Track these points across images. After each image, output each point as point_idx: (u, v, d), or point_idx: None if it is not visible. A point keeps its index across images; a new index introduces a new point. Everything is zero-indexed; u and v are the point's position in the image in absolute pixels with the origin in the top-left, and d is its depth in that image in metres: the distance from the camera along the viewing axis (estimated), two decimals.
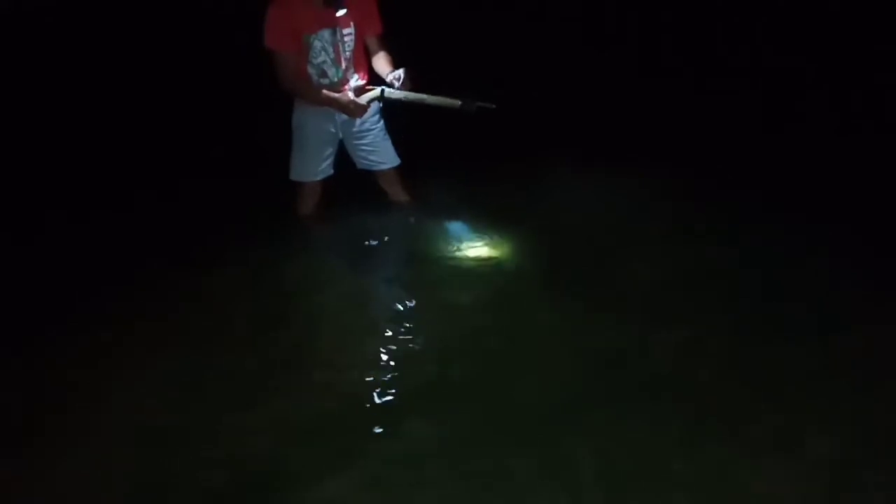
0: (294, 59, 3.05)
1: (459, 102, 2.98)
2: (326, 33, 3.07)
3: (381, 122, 3.40)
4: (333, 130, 3.35)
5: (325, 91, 3.12)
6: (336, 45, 3.11)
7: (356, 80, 3.26)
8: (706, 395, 2.41)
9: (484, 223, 3.56)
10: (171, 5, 7.79)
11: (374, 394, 2.48)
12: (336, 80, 3.19)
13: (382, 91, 3.11)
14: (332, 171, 3.45)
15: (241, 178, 4.32)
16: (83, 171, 4.49)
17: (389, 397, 2.46)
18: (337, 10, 3.01)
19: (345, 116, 3.26)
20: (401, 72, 3.09)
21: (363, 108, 3.12)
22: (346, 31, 3.12)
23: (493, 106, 2.95)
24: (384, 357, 2.67)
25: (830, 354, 2.61)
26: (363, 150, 3.42)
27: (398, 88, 3.07)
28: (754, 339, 2.71)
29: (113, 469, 2.22)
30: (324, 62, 3.12)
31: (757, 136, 4.75)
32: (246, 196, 4.08)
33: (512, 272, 3.17)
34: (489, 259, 3.27)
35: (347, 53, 3.17)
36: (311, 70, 3.14)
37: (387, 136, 3.43)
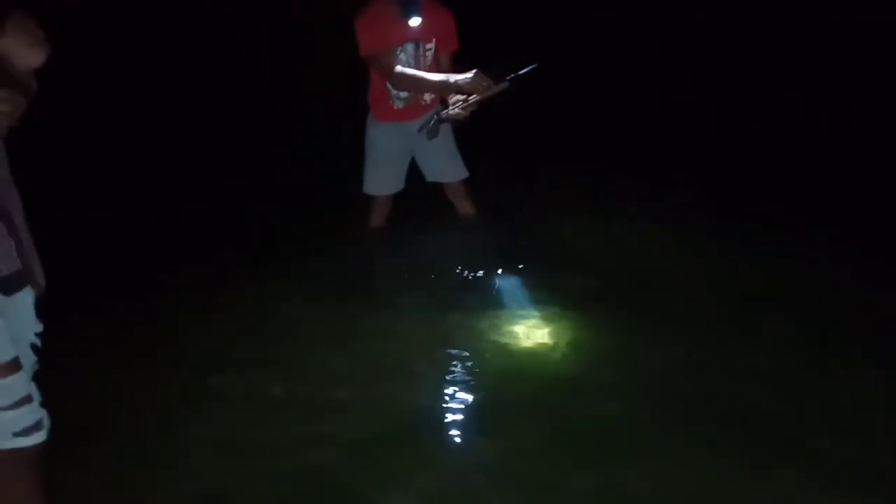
0: (394, 55, 3.09)
1: (506, 83, 2.89)
2: (410, 47, 3.17)
3: (452, 136, 3.47)
4: (405, 145, 3.42)
5: (438, 76, 3.08)
6: (419, 58, 3.20)
7: (430, 96, 3.31)
8: (759, 419, 2.35)
9: (534, 245, 3.57)
10: (171, 5, 7.77)
11: (430, 411, 2.43)
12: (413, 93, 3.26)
13: (437, 113, 3.12)
14: (403, 186, 3.52)
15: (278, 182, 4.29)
16: (84, 172, 4.47)
17: (445, 414, 2.41)
18: (410, 20, 3.07)
19: (416, 129, 3.28)
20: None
21: (478, 78, 2.93)
22: (428, 45, 3.21)
23: (535, 65, 2.84)
24: (440, 375, 2.62)
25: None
26: (434, 163, 3.50)
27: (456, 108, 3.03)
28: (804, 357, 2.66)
29: (170, 480, 2.15)
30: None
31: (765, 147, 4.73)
32: (287, 201, 4.05)
33: (565, 296, 3.12)
34: (542, 281, 3.25)
35: (428, 68, 3.24)
36: (389, 84, 3.19)
37: (457, 150, 3.49)
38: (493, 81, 2.89)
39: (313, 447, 2.26)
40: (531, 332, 2.86)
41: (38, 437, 1.69)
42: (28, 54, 1.49)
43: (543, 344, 2.79)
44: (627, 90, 5.62)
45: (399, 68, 3.09)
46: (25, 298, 1.73)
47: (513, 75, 2.85)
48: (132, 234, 3.72)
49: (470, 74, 2.93)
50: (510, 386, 2.56)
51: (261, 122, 5.54)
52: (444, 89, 3.09)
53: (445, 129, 3.37)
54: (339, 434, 2.31)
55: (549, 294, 3.12)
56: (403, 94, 3.26)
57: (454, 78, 2.97)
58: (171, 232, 3.78)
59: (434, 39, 3.21)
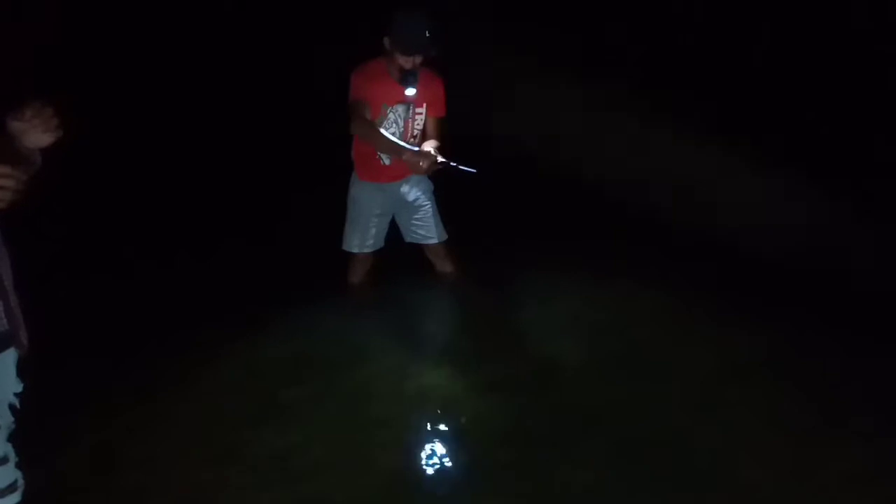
0: (369, 107, 3.25)
1: (444, 164, 3.21)
2: (401, 108, 3.30)
3: (432, 198, 3.60)
4: (386, 205, 3.54)
5: (394, 139, 3.27)
6: (407, 120, 3.34)
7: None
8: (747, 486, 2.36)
9: (521, 303, 3.57)
10: (171, 5, 7.70)
11: (410, 472, 2.44)
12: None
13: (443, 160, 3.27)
14: (382, 244, 3.62)
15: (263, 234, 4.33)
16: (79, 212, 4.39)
17: (425, 476, 2.42)
18: (406, 89, 3.23)
19: (399, 190, 3.47)
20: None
21: (429, 159, 3.21)
22: (418, 109, 3.35)
23: (474, 171, 3.14)
24: (417, 435, 2.63)
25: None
26: (413, 225, 3.62)
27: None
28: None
29: None
30: (393, 134, 3.31)
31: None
32: (277, 256, 4.05)
33: (545, 359, 3.10)
34: (529, 338, 3.26)
35: (416, 131, 3.38)
36: (352, 129, 3.31)
37: (436, 213, 3.63)
38: (442, 160, 3.19)
39: None
40: (508, 394, 2.87)
41: (13, 499, 1.72)
42: (39, 138, 1.59)
43: (523, 406, 2.79)
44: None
45: (364, 121, 3.22)
46: (8, 359, 1.77)
47: (453, 164, 3.18)
48: (124, 288, 3.66)
49: (417, 153, 3.19)
50: (495, 448, 2.56)
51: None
52: (392, 153, 3.28)
53: (428, 195, 3.55)
54: (321, 494, 2.33)
55: (526, 356, 3.14)
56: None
57: (406, 149, 3.21)
58: (199, 297, 3.66)
59: (425, 104, 3.35)
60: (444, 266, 3.70)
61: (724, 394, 2.86)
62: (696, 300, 3.55)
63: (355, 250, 3.58)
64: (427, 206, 3.56)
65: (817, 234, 4.19)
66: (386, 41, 3.15)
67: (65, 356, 2.84)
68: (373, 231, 3.54)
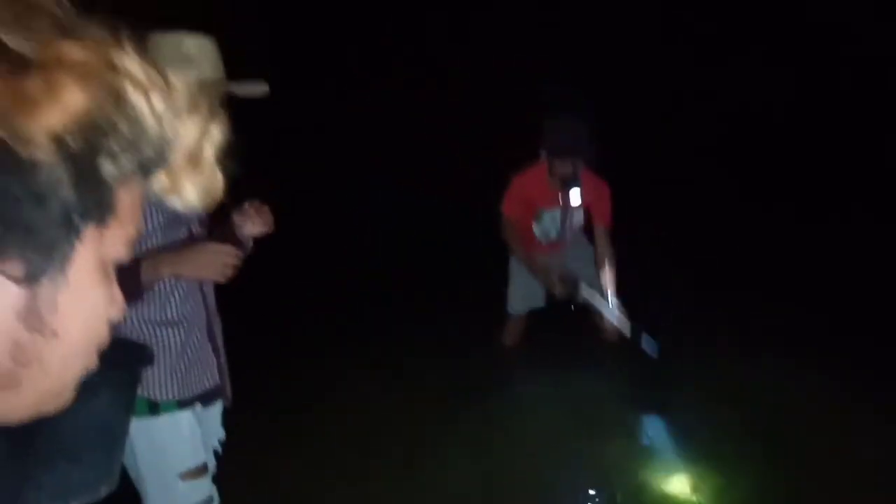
0: (518, 224, 3.47)
1: (630, 329, 3.29)
2: (558, 212, 3.48)
3: (593, 263, 3.61)
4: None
5: (536, 261, 3.48)
6: (564, 221, 3.51)
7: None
8: None
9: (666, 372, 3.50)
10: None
11: None
12: (555, 237, 3.58)
13: (582, 287, 3.41)
14: (542, 303, 3.69)
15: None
16: None
17: None
18: (569, 191, 3.34)
19: (559, 256, 3.58)
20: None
21: (559, 287, 3.40)
22: (577, 209, 3.49)
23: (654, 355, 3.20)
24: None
25: None
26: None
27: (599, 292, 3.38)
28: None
29: None
30: (548, 232, 3.54)
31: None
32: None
33: (701, 434, 3.11)
34: (678, 415, 3.26)
35: (574, 226, 3.56)
36: (536, 229, 3.54)
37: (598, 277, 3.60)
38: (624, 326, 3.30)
39: None
40: (669, 472, 2.88)
41: None
42: (256, 229, 1.86)
43: (680, 487, 2.79)
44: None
45: (512, 235, 3.44)
46: (216, 409, 2.03)
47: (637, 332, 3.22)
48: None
49: (550, 275, 3.40)
50: None
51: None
52: (532, 272, 3.46)
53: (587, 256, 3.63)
54: None
55: (686, 431, 3.12)
56: (545, 238, 3.56)
57: (539, 271, 3.44)
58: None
59: (583, 207, 3.45)
60: (608, 330, 3.62)
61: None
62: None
63: (515, 312, 3.76)
64: (587, 270, 3.59)
65: None
66: (542, 153, 3.31)
67: None
68: (529, 296, 3.68)
